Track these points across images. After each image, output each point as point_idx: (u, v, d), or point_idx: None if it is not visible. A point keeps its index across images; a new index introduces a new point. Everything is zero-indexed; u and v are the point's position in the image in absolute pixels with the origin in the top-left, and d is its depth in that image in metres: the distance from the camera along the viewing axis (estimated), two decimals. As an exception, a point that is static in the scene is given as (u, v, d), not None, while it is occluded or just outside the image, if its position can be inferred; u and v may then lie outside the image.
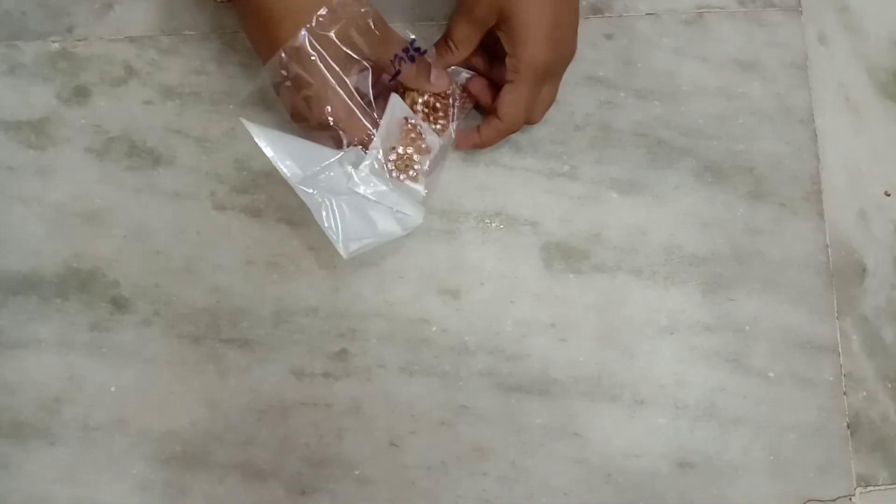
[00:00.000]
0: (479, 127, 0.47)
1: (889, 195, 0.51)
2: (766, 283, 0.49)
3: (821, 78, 0.52)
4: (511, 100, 0.45)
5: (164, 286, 0.48)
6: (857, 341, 0.49)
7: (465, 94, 0.48)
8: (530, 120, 0.47)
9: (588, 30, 0.51)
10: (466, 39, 0.45)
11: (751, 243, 0.49)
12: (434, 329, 0.48)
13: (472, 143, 0.48)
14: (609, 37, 0.51)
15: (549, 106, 0.47)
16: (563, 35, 0.44)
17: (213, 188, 0.49)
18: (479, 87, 0.48)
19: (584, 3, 0.52)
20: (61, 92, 0.50)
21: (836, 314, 0.49)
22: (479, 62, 0.48)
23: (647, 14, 0.52)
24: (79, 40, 0.50)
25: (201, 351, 0.48)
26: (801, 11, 0.52)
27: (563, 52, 0.44)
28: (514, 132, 0.47)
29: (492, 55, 0.47)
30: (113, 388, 0.47)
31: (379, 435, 0.47)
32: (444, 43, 0.47)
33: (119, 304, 0.48)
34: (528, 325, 0.48)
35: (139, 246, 0.48)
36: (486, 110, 0.49)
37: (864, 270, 0.50)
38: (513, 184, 0.50)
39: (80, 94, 0.50)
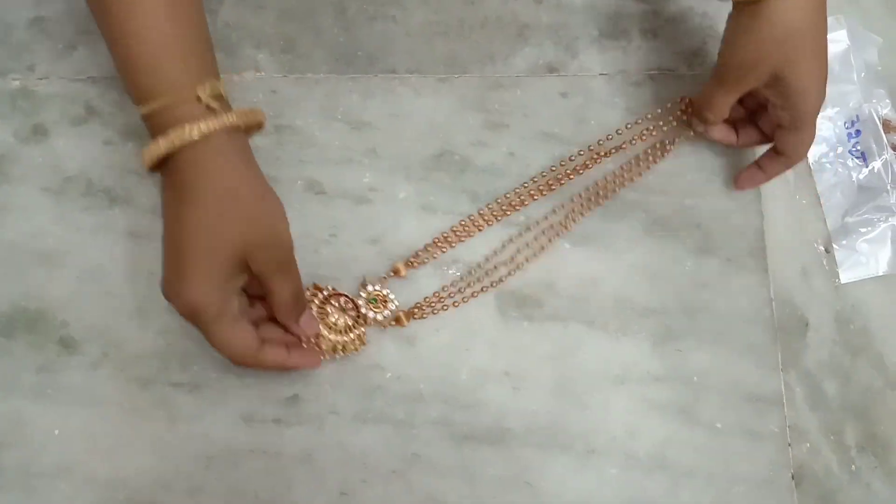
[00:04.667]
0: (759, 165, 0.51)
1: (829, 252, 0.53)
2: (713, 336, 0.50)
3: (764, 140, 0.54)
4: (801, 140, 0.48)
5: (115, 328, 0.47)
6: (800, 394, 0.50)
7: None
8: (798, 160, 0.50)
9: (544, 88, 0.53)
10: (725, 106, 0.49)
11: (698, 297, 0.51)
12: (388, 376, 0.48)
13: (758, 182, 0.52)
14: (564, 95, 0.53)
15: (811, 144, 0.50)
16: (825, 81, 0.47)
17: (169, 230, 0.49)
18: (723, 133, 0.52)
19: (541, 62, 0.54)
20: (19, 130, 0.49)
21: (781, 367, 0.50)
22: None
23: (600, 74, 0.54)
24: (40, 79, 0.50)
25: (151, 394, 0.47)
26: (746, 77, 0.55)
27: (825, 95, 0.48)
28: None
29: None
30: (57, 432, 0.46)
31: (330, 484, 0.46)
32: (701, 114, 0.50)
33: (67, 345, 0.47)
34: (483, 372, 0.49)
35: (92, 286, 0.48)
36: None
37: (806, 325, 0.52)
38: (469, 231, 0.50)
39: (39, 132, 0.50)
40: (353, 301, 0.48)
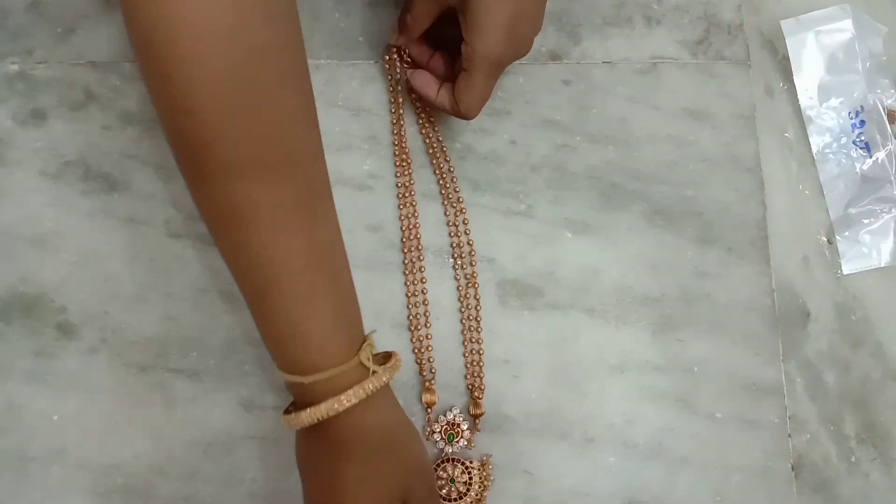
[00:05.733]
0: (442, 85, 0.47)
1: (831, 243, 0.53)
2: (713, 326, 0.50)
3: (767, 128, 0.54)
4: (469, 88, 0.44)
5: (113, 313, 0.47)
6: (800, 384, 0.50)
7: None
8: (466, 115, 0.46)
9: (546, 75, 0.53)
10: (426, 13, 0.45)
11: (699, 286, 0.51)
12: (387, 363, 0.48)
13: (426, 90, 0.47)
14: (566, 83, 0.53)
15: (485, 101, 0.46)
16: (522, 31, 0.43)
17: (168, 215, 0.49)
18: (423, 81, 0.48)
19: (543, 49, 0.53)
20: (17, 114, 0.49)
21: (781, 357, 0.50)
22: (423, 53, 0.49)
23: (603, 62, 0.54)
24: (38, 63, 0.50)
25: (148, 380, 0.47)
26: (750, 65, 0.55)
27: (518, 48, 0.44)
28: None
29: (439, 47, 0.48)
30: (55, 417, 0.46)
31: (328, 470, 0.46)
32: (403, 17, 0.47)
33: (65, 331, 0.47)
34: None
35: (89, 271, 0.48)
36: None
37: (807, 315, 0.51)
38: (470, 220, 0.50)
39: (37, 116, 0.49)
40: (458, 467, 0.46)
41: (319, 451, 0.39)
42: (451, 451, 0.46)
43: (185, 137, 0.35)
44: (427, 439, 0.47)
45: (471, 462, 0.46)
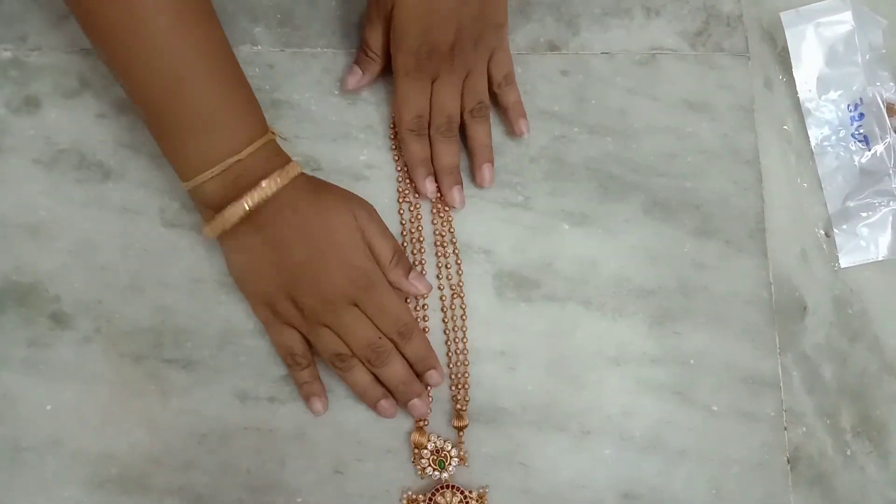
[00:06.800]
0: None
1: (829, 236, 0.53)
2: (710, 318, 0.50)
3: (766, 121, 0.54)
4: (396, 95, 0.48)
5: (108, 303, 0.47)
6: (797, 377, 0.50)
7: None
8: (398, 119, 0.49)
9: (544, 66, 0.53)
10: (384, 39, 0.47)
11: (697, 278, 0.50)
12: (383, 354, 0.48)
13: (354, 85, 0.49)
14: (565, 73, 0.53)
15: (408, 105, 0.48)
16: (438, 20, 0.45)
17: (163, 204, 0.48)
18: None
19: (542, 39, 0.53)
20: (10, 101, 0.49)
21: (778, 350, 0.50)
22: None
23: (602, 53, 0.53)
24: (32, 50, 0.49)
25: (143, 370, 0.46)
26: (749, 57, 0.54)
27: (434, 36, 0.45)
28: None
29: None
30: (49, 407, 0.46)
31: (323, 461, 0.46)
32: (363, 55, 0.49)
33: (59, 320, 0.46)
34: (478, 352, 0.48)
35: (83, 261, 0.47)
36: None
37: (804, 308, 0.51)
38: (467, 211, 0.50)
39: (31, 104, 0.49)
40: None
41: (258, 243, 0.43)
42: (446, 476, 0.46)
43: None
44: (421, 477, 0.46)
45: (469, 492, 0.46)
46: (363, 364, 0.45)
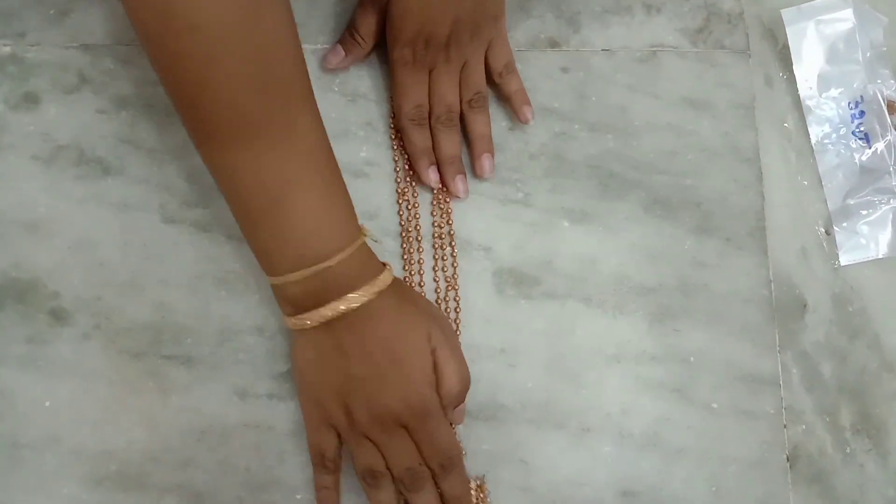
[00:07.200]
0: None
1: (829, 233, 0.53)
2: (710, 316, 0.50)
3: (767, 118, 0.53)
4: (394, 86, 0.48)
5: (107, 299, 0.47)
6: (797, 375, 0.50)
7: None
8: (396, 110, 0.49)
9: (545, 62, 0.53)
10: (375, 27, 0.47)
11: (697, 276, 0.50)
12: (383, 351, 0.48)
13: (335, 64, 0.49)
14: (565, 70, 0.53)
15: (403, 92, 0.48)
16: (435, 12, 0.45)
17: (163, 200, 0.48)
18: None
19: (542, 36, 0.53)
20: (9, 97, 0.48)
21: (778, 348, 0.50)
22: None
23: (602, 50, 0.53)
24: (31, 45, 0.49)
25: (142, 367, 0.46)
26: (750, 55, 0.54)
27: (430, 27, 0.45)
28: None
29: None
30: (47, 404, 0.45)
31: (323, 458, 0.46)
32: (349, 37, 0.48)
33: (58, 317, 0.46)
34: (478, 349, 0.48)
35: (83, 257, 0.47)
36: None
37: (804, 306, 0.51)
38: (467, 208, 0.50)
39: (30, 100, 0.49)
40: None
41: (330, 346, 0.41)
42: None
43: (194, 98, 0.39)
44: None
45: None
46: (394, 483, 0.43)
